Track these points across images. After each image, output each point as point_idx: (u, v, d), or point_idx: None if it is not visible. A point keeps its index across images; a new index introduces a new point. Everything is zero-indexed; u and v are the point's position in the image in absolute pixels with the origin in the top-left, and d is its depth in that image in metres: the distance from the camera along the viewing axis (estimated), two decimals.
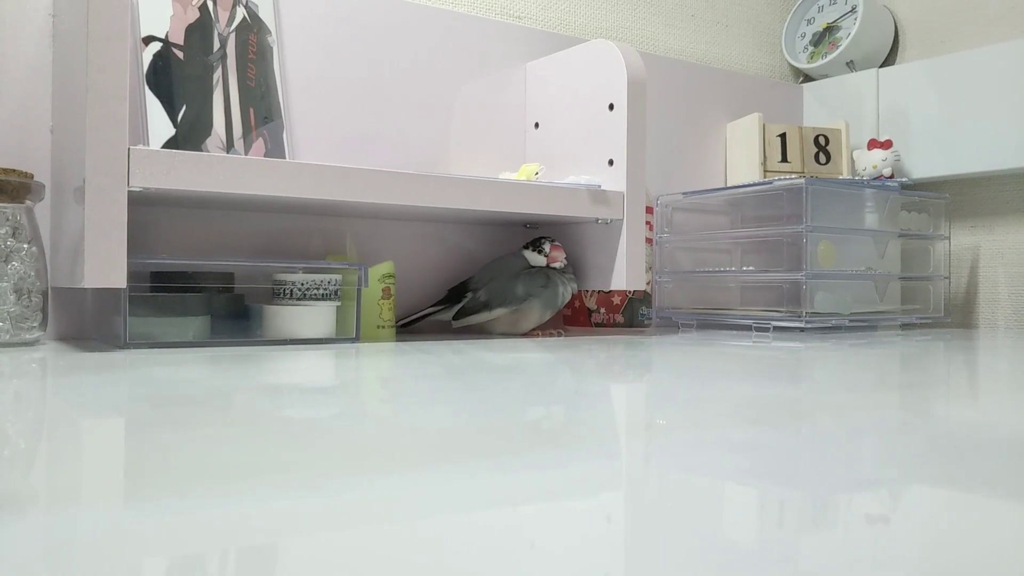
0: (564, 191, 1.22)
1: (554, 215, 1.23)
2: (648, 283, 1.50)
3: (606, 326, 1.47)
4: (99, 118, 0.88)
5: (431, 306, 1.30)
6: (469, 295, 1.26)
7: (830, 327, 1.45)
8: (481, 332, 1.29)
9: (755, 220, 1.58)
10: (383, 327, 1.18)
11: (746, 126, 1.69)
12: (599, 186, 1.26)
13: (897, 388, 0.67)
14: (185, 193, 0.98)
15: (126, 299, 0.95)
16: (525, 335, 1.26)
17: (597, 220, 1.27)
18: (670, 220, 1.57)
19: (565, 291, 1.26)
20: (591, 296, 1.48)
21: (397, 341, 1.14)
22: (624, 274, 1.25)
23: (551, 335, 1.28)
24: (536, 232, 1.43)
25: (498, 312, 1.24)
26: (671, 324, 1.57)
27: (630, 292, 1.45)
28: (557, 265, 1.25)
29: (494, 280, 1.26)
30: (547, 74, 1.41)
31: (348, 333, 1.09)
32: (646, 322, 1.48)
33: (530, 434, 0.45)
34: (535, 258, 1.26)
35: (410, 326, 1.29)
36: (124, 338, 0.96)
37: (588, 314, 1.49)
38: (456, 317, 1.26)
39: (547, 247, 1.26)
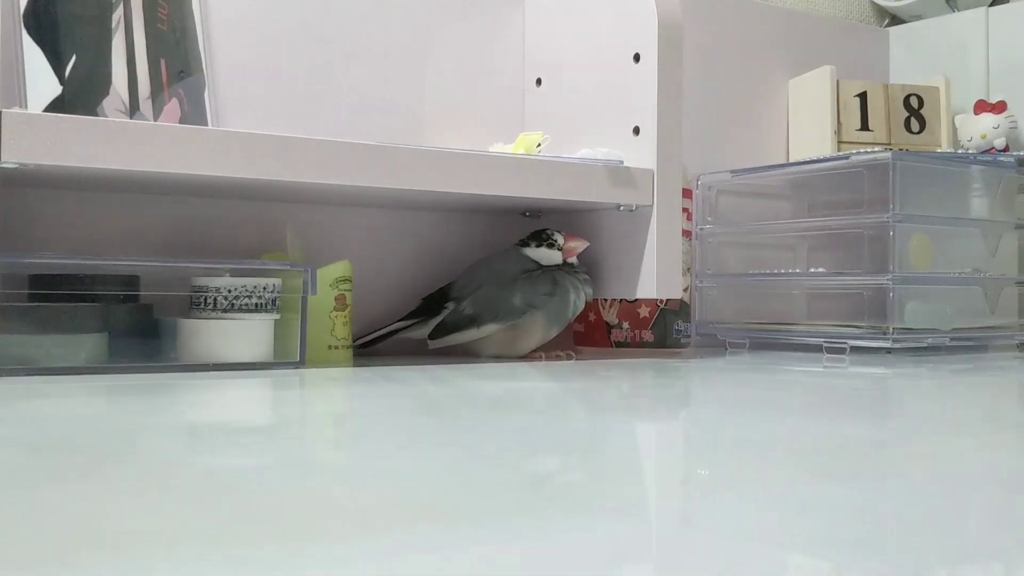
0: (575, 168, 1.22)
1: (562, 200, 1.23)
2: (686, 289, 1.50)
3: (631, 346, 1.48)
4: None
5: (400, 320, 1.31)
6: (450, 306, 1.28)
7: (925, 347, 1.45)
8: (466, 354, 1.30)
9: (826, 207, 1.58)
10: (337, 347, 1.19)
11: (814, 84, 1.70)
12: (621, 162, 1.26)
13: (1014, 428, 0.68)
14: (75, 171, 0.97)
15: None
16: (524, 358, 1.28)
17: (619, 207, 1.27)
18: (714, 207, 1.57)
19: (577, 299, 1.27)
20: (610, 307, 1.49)
21: (355, 366, 1.15)
22: (654, 278, 1.26)
23: (558, 358, 1.29)
24: (538, 223, 1.44)
25: (489, 329, 1.25)
26: (716, 343, 1.58)
27: (661, 301, 1.46)
28: (573, 261, 1.27)
29: (484, 287, 1.27)
30: (553, 15, 1.42)
31: (290, 356, 1.10)
32: (683, 341, 1.49)
33: (532, 491, 0.46)
34: (544, 254, 1.28)
35: (372, 346, 1.30)
36: None
37: (607, 330, 1.50)
38: (433, 335, 1.27)
39: (560, 238, 1.27)
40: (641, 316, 1.48)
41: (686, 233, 1.50)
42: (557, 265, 1.28)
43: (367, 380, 0.98)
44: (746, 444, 0.60)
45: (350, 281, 1.21)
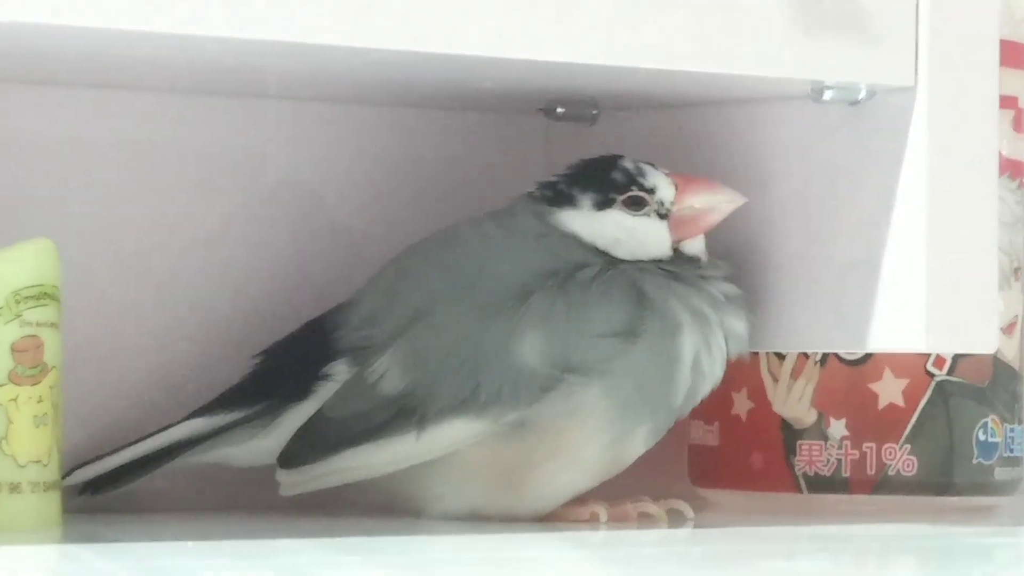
0: None
1: (657, 70, 0.82)
2: (1009, 327, 0.98)
3: (852, 490, 0.94)
4: None
5: (203, 414, 0.83)
6: (340, 370, 0.80)
7: None
8: (385, 508, 0.83)
9: None
10: (18, 488, 0.93)
11: None
12: None
13: None
14: None
15: None
16: (550, 518, 0.80)
17: (820, 91, 0.84)
18: None
19: (705, 351, 0.81)
20: (794, 376, 0.98)
21: (73, 541, 0.80)
22: (922, 298, 0.82)
23: (646, 518, 0.84)
24: (591, 137, 0.97)
25: (450, 434, 0.81)
26: None
27: (939, 364, 0.95)
28: (695, 250, 0.84)
29: (432, 315, 0.81)
30: None
31: None
32: (1000, 476, 0.95)
33: None
34: (622, 228, 0.82)
35: (124, 486, 0.83)
36: None
37: (784, 444, 0.98)
38: (291, 455, 0.81)
39: (664, 184, 0.83)
40: (882, 405, 0.91)
41: (1011, 167, 0.97)
42: (680, 251, 0.82)
43: None
44: None
45: (56, 299, 0.87)
